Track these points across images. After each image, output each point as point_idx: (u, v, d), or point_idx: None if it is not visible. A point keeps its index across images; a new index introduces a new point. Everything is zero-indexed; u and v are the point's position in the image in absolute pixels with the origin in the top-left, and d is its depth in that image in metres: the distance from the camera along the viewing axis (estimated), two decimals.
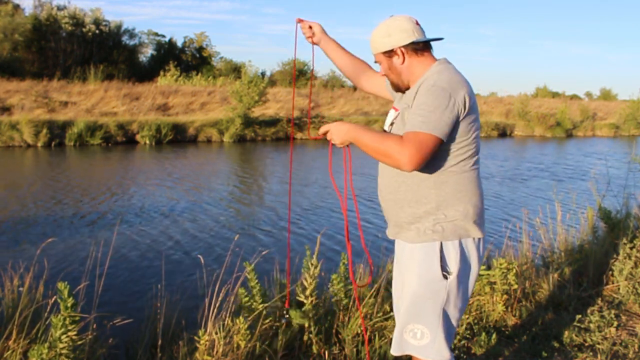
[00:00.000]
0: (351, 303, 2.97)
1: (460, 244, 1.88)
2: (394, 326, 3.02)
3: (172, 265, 5.75)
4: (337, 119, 23.25)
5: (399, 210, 1.94)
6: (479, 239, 1.93)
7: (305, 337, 2.81)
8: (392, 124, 1.99)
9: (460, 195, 1.87)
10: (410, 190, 1.90)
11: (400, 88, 2.00)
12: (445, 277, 1.86)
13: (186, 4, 71.82)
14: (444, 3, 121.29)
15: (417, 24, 1.93)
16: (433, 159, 1.78)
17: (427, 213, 1.88)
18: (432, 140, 1.72)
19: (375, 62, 2.03)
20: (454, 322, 1.93)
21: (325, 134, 1.94)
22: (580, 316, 3.29)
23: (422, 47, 1.92)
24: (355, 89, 30.96)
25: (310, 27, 2.29)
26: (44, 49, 28.24)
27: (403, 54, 1.92)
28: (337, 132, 1.89)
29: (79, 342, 2.27)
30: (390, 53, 1.93)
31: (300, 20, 2.28)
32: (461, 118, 1.80)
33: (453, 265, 1.87)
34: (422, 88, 1.83)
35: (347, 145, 1.97)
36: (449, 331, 1.92)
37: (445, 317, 1.90)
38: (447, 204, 1.87)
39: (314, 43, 2.30)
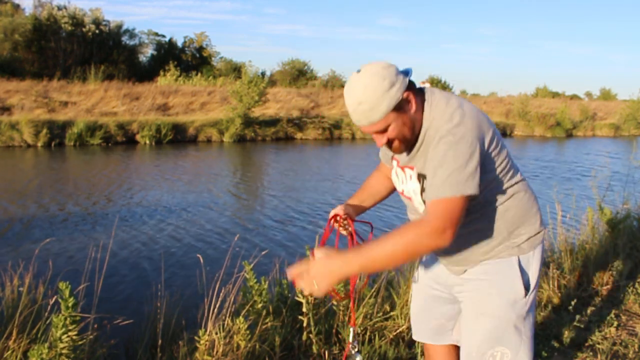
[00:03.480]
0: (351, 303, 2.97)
1: (534, 253, 1.75)
2: (394, 326, 3.03)
3: (172, 265, 5.75)
4: (337, 119, 23.27)
5: (469, 254, 1.74)
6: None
7: (305, 337, 2.81)
8: (423, 190, 1.66)
9: (525, 211, 1.73)
10: (477, 233, 1.70)
11: (410, 144, 1.65)
12: (526, 295, 1.71)
13: (186, 4, 71.89)
14: (444, 3, 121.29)
15: None
16: (484, 201, 1.64)
17: (500, 243, 1.72)
18: (463, 200, 1.49)
19: (378, 132, 1.61)
20: (531, 331, 1.77)
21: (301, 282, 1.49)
22: (580, 316, 3.29)
23: (412, 82, 1.62)
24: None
25: (344, 218, 1.92)
26: (44, 49, 28.25)
27: (414, 98, 1.58)
28: (319, 275, 1.46)
29: (80, 342, 2.27)
30: (401, 105, 1.56)
31: (333, 220, 1.92)
32: (488, 150, 1.58)
33: (533, 279, 1.73)
34: (435, 139, 1.55)
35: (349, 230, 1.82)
36: (530, 343, 1.76)
37: (527, 331, 1.74)
38: (518, 225, 1.72)
39: (352, 227, 1.92)
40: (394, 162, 1.81)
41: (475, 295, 1.75)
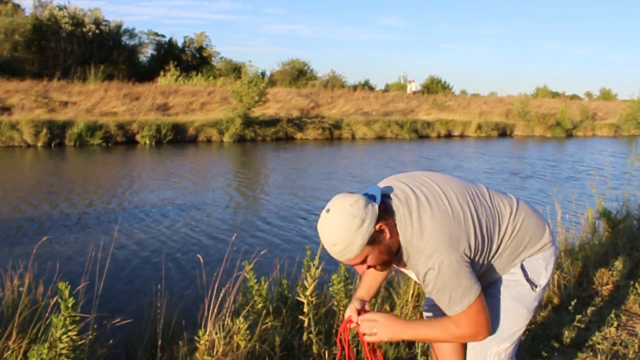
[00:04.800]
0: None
1: (541, 256, 1.81)
2: None
3: (172, 265, 5.75)
4: (337, 119, 23.27)
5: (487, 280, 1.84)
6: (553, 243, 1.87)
7: (305, 337, 2.81)
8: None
9: (524, 232, 1.78)
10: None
11: (391, 263, 1.70)
12: (533, 290, 1.80)
13: (187, 4, 71.91)
14: (444, 3, 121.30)
15: None
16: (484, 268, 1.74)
17: (502, 272, 1.81)
18: (477, 301, 1.61)
19: (360, 263, 1.63)
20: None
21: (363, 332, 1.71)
22: (580, 316, 3.29)
23: (382, 203, 1.64)
24: (355, 88, 31.00)
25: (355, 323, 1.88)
26: (44, 49, 28.23)
27: (386, 226, 1.61)
28: (384, 329, 1.69)
29: (79, 342, 2.27)
30: (375, 237, 1.58)
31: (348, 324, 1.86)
32: (470, 247, 1.64)
33: (536, 274, 1.80)
34: (418, 270, 1.62)
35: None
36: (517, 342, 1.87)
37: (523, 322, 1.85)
38: (524, 247, 1.79)
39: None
40: None
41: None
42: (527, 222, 1.80)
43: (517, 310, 1.79)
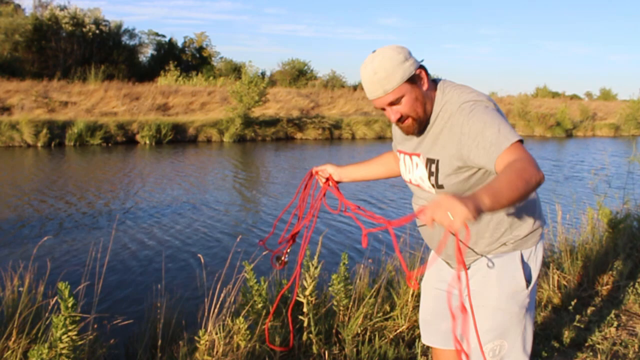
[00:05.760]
0: (351, 303, 2.97)
1: (536, 249, 1.78)
2: (394, 326, 3.03)
3: (172, 265, 5.76)
4: (337, 119, 23.27)
5: (473, 245, 1.77)
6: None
7: (305, 337, 2.81)
8: (432, 173, 1.71)
9: (529, 205, 1.75)
10: (482, 222, 1.72)
11: (422, 124, 1.69)
12: (527, 287, 1.75)
13: (187, 4, 71.91)
14: (444, 3, 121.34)
15: None
16: None
17: (502, 234, 1.74)
18: (521, 139, 1.53)
19: (392, 103, 1.64)
20: (531, 326, 1.80)
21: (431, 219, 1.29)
22: (580, 316, 3.29)
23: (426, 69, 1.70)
24: (355, 88, 30.96)
25: (327, 179, 2.05)
26: (44, 49, 28.25)
27: (426, 76, 1.66)
28: (453, 206, 1.26)
29: (79, 342, 2.27)
30: (415, 79, 1.63)
31: (315, 174, 2.04)
32: None
33: (535, 273, 1.77)
34: (462, 114, 1.60)
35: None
36: (529, 338, 1.79)
37: (526, 324, 1.77)
38: (520, 217, 1.74)
39: (335, 186, 2.02)
40: (401, 155, 1.86)
41: (476, 288, 1.75)
42: (536, 195, 1.80)
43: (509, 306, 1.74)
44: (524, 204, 1.74)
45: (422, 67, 1.65)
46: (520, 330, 1.75)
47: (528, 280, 1.74)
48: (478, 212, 1.27)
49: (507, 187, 1.35)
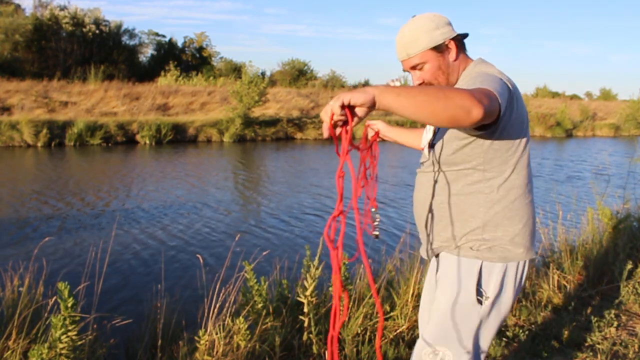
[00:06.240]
0: (351, 303, 2.97)
1: (505, 268, 1.64)
2: (394, 326, 3.03)
3: (172, 265, 5.75)
4: None
5: (441, 230, 1.71)
6: (526, 261, 1.68)
7: (305, 337, 2.81)
8: (434, 133, 1.75)
9: (511, 215, 1.64)
10: (456, 207, 1.66)
11: None
12: (480, 302, 1.63)
13: (187, 4, 71.94)
14: (444, 3, 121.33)
15: None
16: (483, 171, 1.61)
17: (472, 232, 1.65)
18: (496, 98, 1.37)
19: (412, 68, 1.69)
20: (484, 347, 1.70)
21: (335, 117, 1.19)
22: (580, 316, 3.29)
23: (463, 42, 1.72)
24: (355, 88, 30.91)
25: (376, 133, 2.08)
26: (44, 49, 28.25)
27: (456, 48, 1.68)
28: (357, 92, 1.18)
29: (79, 342, 2.27)
30: (441, 48, 1.65)
31: (367, 126, 2.10)
32: (510, 111, 1.53)
33: (491, 290, 1.64)
34: (469, 76, 1.62)
35: (370, 147, 1.88)
36: (476, 356, 1.70)
37: (475, 342, 1.67)
38: (496, 223, 1.64)
39: (378, 139, 2.09)
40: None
41: (439, 280, 1.76)
42: (528, 215, 1.68)
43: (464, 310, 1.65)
44: (509, 208, 1.63)
45: (455, 40, 1.68)
46: (460, 344, 1.65)
47: (480, 296, 1.63)
48: (365, 98, 1.15)
49: (421, 91, 1.23)
